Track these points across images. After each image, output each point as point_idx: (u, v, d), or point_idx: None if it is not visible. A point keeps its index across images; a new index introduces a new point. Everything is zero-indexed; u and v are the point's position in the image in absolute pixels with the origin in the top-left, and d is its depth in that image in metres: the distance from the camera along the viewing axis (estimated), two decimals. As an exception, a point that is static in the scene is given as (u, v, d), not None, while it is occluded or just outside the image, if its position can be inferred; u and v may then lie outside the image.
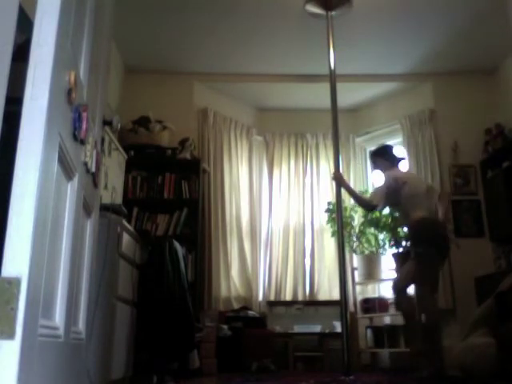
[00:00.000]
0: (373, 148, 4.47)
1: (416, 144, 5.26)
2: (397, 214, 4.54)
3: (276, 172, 5.77)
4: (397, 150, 4.13)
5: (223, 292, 4.98)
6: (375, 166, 4.12)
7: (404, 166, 4.16)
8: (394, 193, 3.74)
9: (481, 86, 5.29)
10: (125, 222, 2.88)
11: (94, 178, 1.80)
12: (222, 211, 5.17)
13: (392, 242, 4.94)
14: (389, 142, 5.67)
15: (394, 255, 4.85)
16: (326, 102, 4.31)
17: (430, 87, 5.39)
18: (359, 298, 5.18)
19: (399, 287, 3.74)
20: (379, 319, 5.05)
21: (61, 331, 1.41)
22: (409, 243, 4.24)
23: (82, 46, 1.58)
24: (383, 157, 4.00)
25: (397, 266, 4.64)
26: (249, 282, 5.19)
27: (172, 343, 3.21)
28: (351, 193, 4.06)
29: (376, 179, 5.49)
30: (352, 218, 5.18)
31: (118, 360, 2.76)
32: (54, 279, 1.35)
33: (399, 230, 4.82)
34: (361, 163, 5.85)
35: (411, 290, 3.80)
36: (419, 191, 3.77)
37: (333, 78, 4.26)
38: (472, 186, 5.11)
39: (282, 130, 5.87)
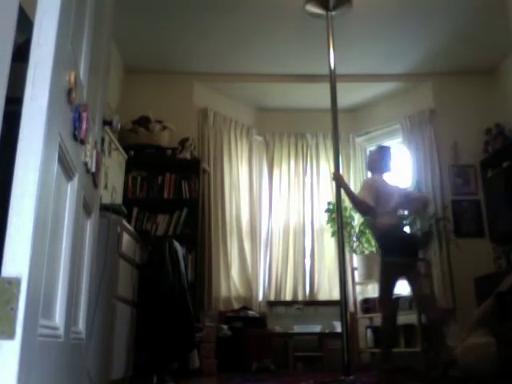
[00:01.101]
0: (375, 146, 4.42)
1: (416, 144, 5.26)
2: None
3: (276, 172, 5.77)
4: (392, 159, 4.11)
5: (223, 292, 4.97)
6: (370, 162, 4.09)
7: (389, 177, 4.13)
8: (374, 195, 3.75)
9: (481, 86, 5.30)
10: (125, 222, 2.88)
11: (94, 178, 1.80)
12: (222, 211, 5.17)
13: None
14: (389, 142, 5.70)
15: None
16: (326, 102, 4.31)
17: (430, 87, 5.39)
18: (359, 298, 5.18)
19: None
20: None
21: (61, 331, 1.41)
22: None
23: (82, 46, 1.58)
24: (383, 159, 3.99)
25: None
26: (249, 281, 5.19)
27: (172, 343, 3.21)
28: (349, 194, 4.03)
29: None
30: (352, 217, 5.18)
31: (118, 360, 2.76)
32: (54, 279, 1.35)
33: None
34: (361, 163, 5.85)
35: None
36: (392, 198, 3.79)
37: (333, 78, 4.25)
38: (472, 185, 5.10)
39: (281, 130, 5.87)
